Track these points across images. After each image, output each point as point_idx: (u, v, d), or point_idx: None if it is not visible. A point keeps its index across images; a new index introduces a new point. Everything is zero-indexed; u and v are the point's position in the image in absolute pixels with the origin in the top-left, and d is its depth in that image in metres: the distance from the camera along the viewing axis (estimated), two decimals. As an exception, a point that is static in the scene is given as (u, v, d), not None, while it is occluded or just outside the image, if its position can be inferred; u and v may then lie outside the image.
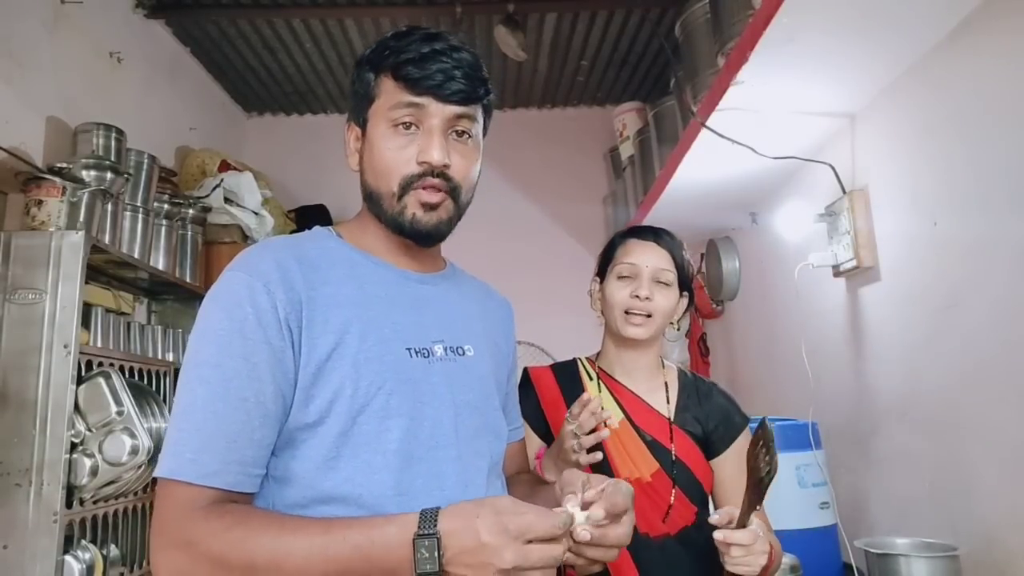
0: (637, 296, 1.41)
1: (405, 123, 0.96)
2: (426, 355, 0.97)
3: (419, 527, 0.78)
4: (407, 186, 0.96)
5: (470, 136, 1.00)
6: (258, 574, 0.79)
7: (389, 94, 0.97)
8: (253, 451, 0.86)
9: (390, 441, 0.90)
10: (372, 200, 1.00)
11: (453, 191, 0.98)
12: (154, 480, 2.20)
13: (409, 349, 0.96)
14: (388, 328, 0.95)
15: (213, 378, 0.85)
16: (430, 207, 0.96)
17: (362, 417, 0.89)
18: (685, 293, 1.47)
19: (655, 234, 1.47)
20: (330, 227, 1.05)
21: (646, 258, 1.43)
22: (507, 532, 0.76)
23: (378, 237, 1.02)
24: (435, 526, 0.77)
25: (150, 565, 0.84)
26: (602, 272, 1.51)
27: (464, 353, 1.02)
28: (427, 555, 0.76)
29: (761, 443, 1.03)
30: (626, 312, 1.42)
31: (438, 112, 0.96)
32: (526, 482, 1.17)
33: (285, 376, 0.88)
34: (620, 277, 1.44)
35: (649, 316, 1.41)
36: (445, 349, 1.00)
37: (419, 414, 0.93)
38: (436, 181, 0.96)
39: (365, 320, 0.93)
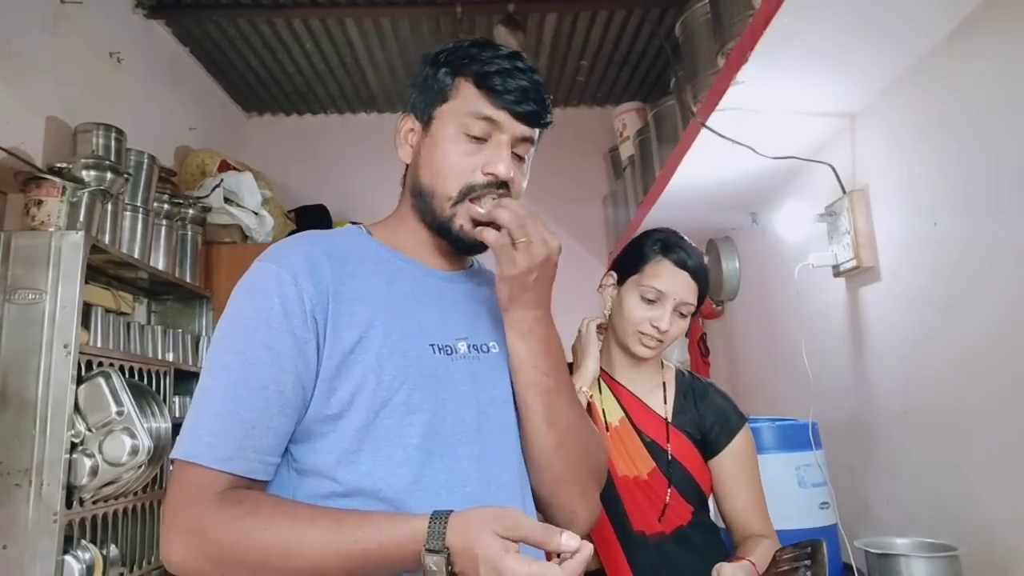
0: (656, 326, 1.40)
1: (477, 136, 0.97)
2: (449, 352, 0.98)
3: (427, 540, 0.78)
4: (467, 193, 0.97)
5: (523, 160, 1.03)
6: (269, 565, 0.80)
7: (467, 99, 0.98)
8: (270, 439, 0.87)
9: (412, 436, 0.91)
10: (422, 197, 1.00)
11: None
12: (154, 480, 2.21)
13: (432, 346, 0.96)
14: (413, 324, 0.96)
15: (235, 365, 0.87)
16: (477, 224, 0.98)
17: (384, 411, 0.90)
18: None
19: (690, 262, 1.43)
20: (362, 225, 1.07)
21: (675, 288, 1.41)
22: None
23: (414, 236, 1.03)
24: (443, 540, 0.77)
25: (160, 544, 0.85)
26: (622, 271, 1.48)
27: (489, 350, 1.03)
28: (435, 570, 0.77)
29: (808, 562, 0.96)
30: (640, 332, 1.42)
31: (510, 128, 0.98)
32: None
33: (307, 367, 0.89)
34: (644, 298, 1.42)
35: (661, 342, 1.42)
36: (469, 347, 1.00)
37: (441, 410, 0.94)
38: (497, 192, 0.97)
39: (390, 315, 0.94)
